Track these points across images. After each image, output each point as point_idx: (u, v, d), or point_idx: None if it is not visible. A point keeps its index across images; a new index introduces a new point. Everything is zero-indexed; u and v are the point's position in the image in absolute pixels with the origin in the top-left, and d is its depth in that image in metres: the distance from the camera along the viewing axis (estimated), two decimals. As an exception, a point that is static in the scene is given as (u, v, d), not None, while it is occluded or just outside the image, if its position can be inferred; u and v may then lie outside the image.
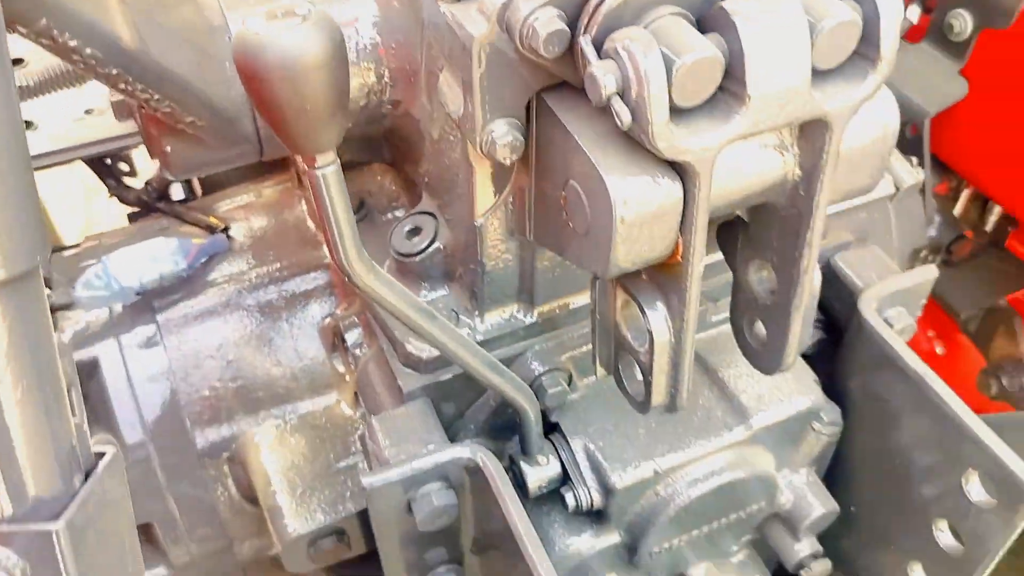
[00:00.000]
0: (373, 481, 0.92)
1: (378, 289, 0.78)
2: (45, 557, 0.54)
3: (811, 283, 0.86)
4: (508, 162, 0.79)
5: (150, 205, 1.31)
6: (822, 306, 1.20)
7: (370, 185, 1.22)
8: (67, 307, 1.14)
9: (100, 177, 1.33)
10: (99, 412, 1.20)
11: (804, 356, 1.17)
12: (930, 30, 1.52)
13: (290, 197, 1.35)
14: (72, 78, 1.19)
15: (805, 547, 1.16)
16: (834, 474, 1.23)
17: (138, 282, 1.18)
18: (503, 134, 0.77)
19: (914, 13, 1.52)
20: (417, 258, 1.01)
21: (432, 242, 1.01)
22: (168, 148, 0.89)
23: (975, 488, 0.99)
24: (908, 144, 1.53)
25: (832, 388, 1.17)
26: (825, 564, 1.16)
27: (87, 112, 1.32)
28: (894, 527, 1.16)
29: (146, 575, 1.26)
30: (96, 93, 1.29)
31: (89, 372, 1.19)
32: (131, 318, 1.21)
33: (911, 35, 1.54)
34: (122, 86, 0.74)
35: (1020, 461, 0.94)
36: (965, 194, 1.76)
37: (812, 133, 0.75)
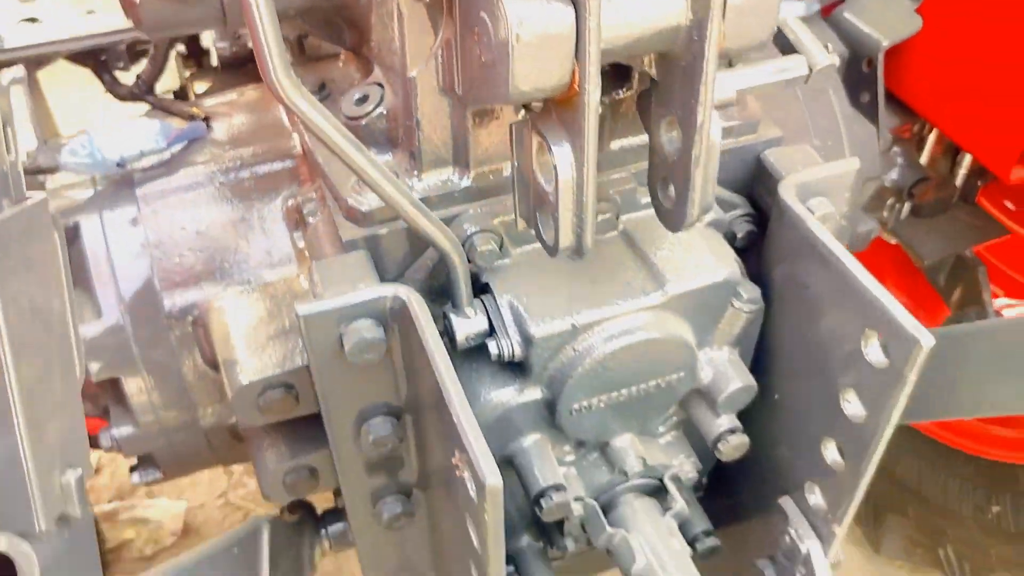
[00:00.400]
0: (307, 309, 1.00)
1: (303, 107, 0.87)
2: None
3: (708, 136, 0.94)
4: (427, -3, 0.88)
5: (140, 98, 1.42)
6: (752, 200, 1.27)
7: (333, 73, 1.32)
8: (52, 170, 1.25)
9: (96, 73, 1.44)
10: (78, 277, 1.30)
11: (736, 250, 1.24)
12: (889, -28, 1.59)
13: (269, 98, 1.45)
14: None
15: (724, 422, 1.22)
16: (760, 363, 1.29)
17: (119, 155, 1.28)
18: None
19: (875, -44, 1.59)
20: (363, 121, 1.10)
21: (377, 106, 1.10)
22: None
23: (873, 350, 1.05)
24: (864, 78, 1.60)
25: (760, 280, 1.24)
26: (742, 439, 1.22)
27: (89, 12, 1.44)
28: (813, 408, 1.22)
29: (113, 432, 1.36)
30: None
31: (71, 239, 1.30)
32: (113, 192, 1.32)
33: (871, -23, 1.62)
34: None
35: (909, 316, 1.00)
36: (931, 140, 1.81)
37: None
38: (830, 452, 1.19)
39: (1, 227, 0.65)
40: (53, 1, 1.33)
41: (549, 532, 1.36)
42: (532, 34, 0.81)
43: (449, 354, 0.97)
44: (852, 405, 1.12)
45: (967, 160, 1.88)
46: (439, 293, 1.16)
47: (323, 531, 1.54)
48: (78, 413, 0.79)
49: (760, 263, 1.25)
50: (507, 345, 1.09)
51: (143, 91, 1.42)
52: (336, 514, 1.56)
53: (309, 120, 0.88)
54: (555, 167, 0.92)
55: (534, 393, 1.14)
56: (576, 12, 0.81)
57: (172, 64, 1.75)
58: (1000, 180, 1.64)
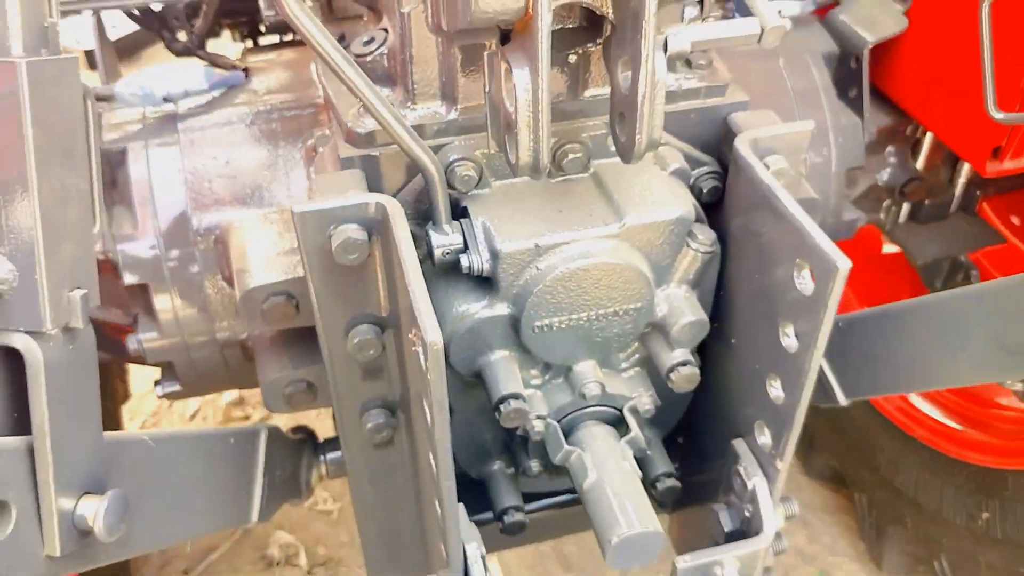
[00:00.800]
0: (301, 208, 1.16)
1: (304, 19, 1.03)
2: (11, 88, 0.81)
3: (654, 72, 1.08)
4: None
5: (192, 52, 1.62)
6: (721, 161, 1.39)
7: (357, 29, 1.50)
8: (107, 99, 1.45)
9: (154, 29, 1.65)
10: (123, 196, 1.49)
11: (703, 206, 1.36)
12: (883, -22, 1.71)
13: (303, 60, 1.64)
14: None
15: (678, 355, 1.33)
16: (718, 311, 1.40)
17: (166, 91, 1.47)
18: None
19: (870, -36, 1.72)
20: (368, 59, 1.27)
21: (380, 46, 1.27)
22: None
23: (803, 279, 1.16)
24: (852, 74, 1.71)
25: (721, 234, 1.35)
26: (693, 370, 1.33)
27: (154, -22, 1.65)
28: (760, 348, 1.32)
29: (140, 335, 1.53)
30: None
31: (119, 162, 1.49)
32: (158, 125, 1.51)
33: (867, -17, 1.74)
34: None
35: (831, 244, 1.10)
36: (928, 145, 1.90)
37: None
38: (774, 389, 1.29)
39: (39, 66, 0.82)
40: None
41: (516, 455, 1.48)
42: (491, -42, 0.96)
43: (427, 273, 1.11)
44: (789, 338, 1.22)
45: (966, 169, 1.96)
46: (424, 217, 1.31)
47: (321, 457, 1.69)
48: (89, 245, 0.95)
49: (722, 217, 1.37)
50: (477, 261, 1.23)
51: (196, 46, 1.62)
52: (334, 443, 1.70)
53: (308, 32, 1.04)
54: (515, 86, 1.06)
55: (501, 309, 1.27)
56: (529, -59, 0.97)
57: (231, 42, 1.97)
58: (1005, 192, 1.72)
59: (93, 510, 1.00)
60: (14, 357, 0.92)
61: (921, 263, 1.98)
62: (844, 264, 1.08)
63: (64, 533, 0.98)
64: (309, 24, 1.04)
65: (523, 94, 1.07)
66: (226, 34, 2.08)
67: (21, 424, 0.95)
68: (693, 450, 1.60)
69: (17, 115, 0.82)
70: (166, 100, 1.48)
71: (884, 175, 1.88)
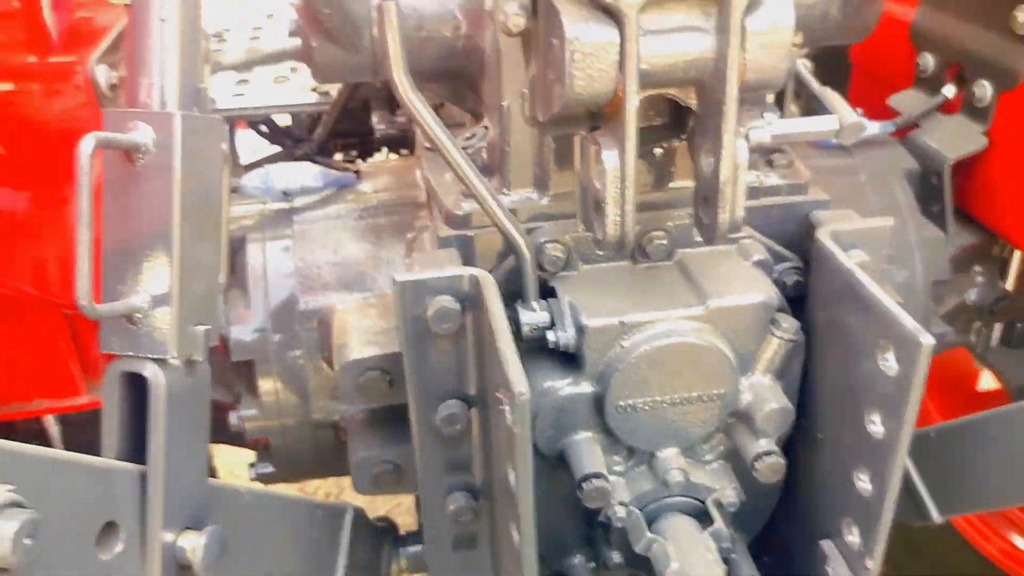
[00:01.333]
0: (403, 278, 1.25)
1: (414, 100, 1.16)
2: (166, 137, 0.93)
3: (735, 156, 1.15)
4: (517, 30, 1.17)
5: (311, 157, 1.78)
6: (803, 258, 1.43)
7: (459, 135, 1.63)
8: (234, 190, 1.60)
9: (276, 138, 1.83)
10: (239, 280, 1.62)
11: (787, 300, 1.40)
12: (963, 103, 1.78)
13: (409, 166, 1.78)
14: (266, 58, 1.71)
15: (763, 444, 1.33)
16: (804, 406, 1.40)
17: (285, 186, 1.62)
18: (514, 8, 1.16)
19: (950, 90, 1.80)
20: (469, 151, 1.38)
21: (481, 140, 1.38)
22: (314, 44, 1.34)
23: (886, 360, 1.17)
24: (934, 190, 1.76)
25: (806, 328, 1.38)
26: (779, 460, 1.32)
27: (276, 80, 1.85)
28: (846, 441, 1.31)
29: (241, 411, 1.61)
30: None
31: (238, 248, 1.62)
32: (276, 217, 1.65)
33: (947, 108, 1.81)
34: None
35: (912, 320, 1.12)
36: (1016, 263, 1.90)
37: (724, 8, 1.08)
38: (861, 482, 1.27)
39: (191, 120, 0.95)
40: (258, 76, 1.74)
41: (597, 546, 1.47)
42: (584, 45, 1.07)
43: (517, 347, 1.16)
44: (875, 425, 1.22)
45: (1061, 296, 1.94)
46: (513, 298, 1.38)
47: (401, 550, 1.70)
48: (216, 287, 1.05)
49: (805, 312, 1.39)
50: (564, 336, 1.28)
51: (314, 152, 1.79)
52: (416, 537, 1.72)
53: (417, 111, 1.16)
54: (603, 164, 1.15)
55: (586, 387, 1.31)
56: (620, 32, 1.08)
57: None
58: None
59: (193, 544, 1.05)
60: (134, 386, 1.01)
61: (1015, 385, 1.93)
62: (927, 340, 1.10)
63: (166, 563, 1.03)
64: (421, 108, 1.16)
65: (611, 171, 1.15)
66: (337, 156, 2.27)
67: (134, 452, 1.03)
68: (778, 553, 1.56)
69: (169, 160, 0.93)
70: (285, 195, 1.63)
71: (972, 294, 1.87)
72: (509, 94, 1.29)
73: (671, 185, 1.36)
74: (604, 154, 1.15)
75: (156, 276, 0.97)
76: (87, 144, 0.86)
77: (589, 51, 1.07)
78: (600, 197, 1.18)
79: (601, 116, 1.19)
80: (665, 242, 1.35)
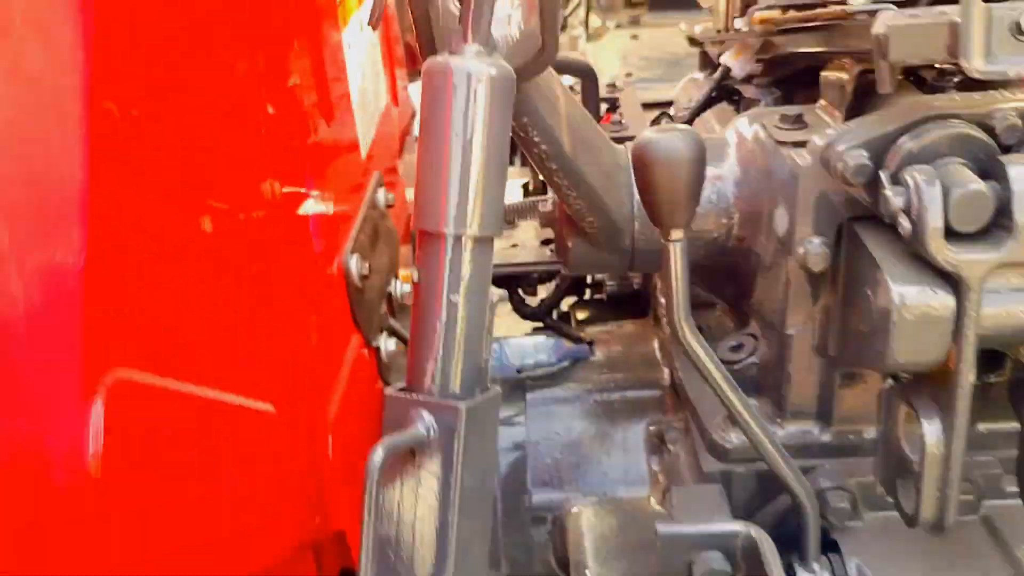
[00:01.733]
0: (666, 529, 1.11)
1: (697, 348, 1.02)
2: (448, 428, 0.84)
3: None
4: (817, 269, 1.01)
5: (541, 319, 1.69)
6: None
7: (708, 319, 1.48)
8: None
9: (509, 294, 1.75)
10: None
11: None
12: None
13: (645, 332, 1.65)
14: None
15: None
16: None
17: (520, 362, 1.53)
18: (816, 247, 1.01)
19: None
20: (736, 366, 1.23)
21: (751, 355, 1.23)
22: (570, 244, 1.24)
23: None
24: None
25: None
26: None
27: (513, 245, 1.77)
28: None
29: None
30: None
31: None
32: (507, 393, 1.56)
33: None
34: (554, 179, 1.10)
35: None
36: None
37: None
38: None
39: (474, 410, 0.86)
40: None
41: None
42: (913, 314, 0.90)
43: None
44: None
45: None
46: (782, 542, 1.21)
47: None
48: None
49: None
50: (850, 605, 1.10)
51: (543, 313, 1.69)
52: None
53: (699, 358, 1.02)
54: (923, 438, 0.97)
55: (871, 666, 1.12)
56: (957, 300, 0.90)
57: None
58: None
59: None
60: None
61: None
62: None
63: None
64: (702, 353, 1.02)
65: (934, 447, 0.97)
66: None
67: None
68: None
69: (456, 447, 0.84)
70: (518, 371, 1.54)
71: None
72: (794, 322, 1.13)
73: (980, 427, 1.16)
74: (924, 424, 0.97)
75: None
76: (378, 456, 0.78)
77: (920, 321, 0.90)
78: (911, 468, 1.00)
79: (916, 367, 1.02)
80: (970, 496, 1.14)
